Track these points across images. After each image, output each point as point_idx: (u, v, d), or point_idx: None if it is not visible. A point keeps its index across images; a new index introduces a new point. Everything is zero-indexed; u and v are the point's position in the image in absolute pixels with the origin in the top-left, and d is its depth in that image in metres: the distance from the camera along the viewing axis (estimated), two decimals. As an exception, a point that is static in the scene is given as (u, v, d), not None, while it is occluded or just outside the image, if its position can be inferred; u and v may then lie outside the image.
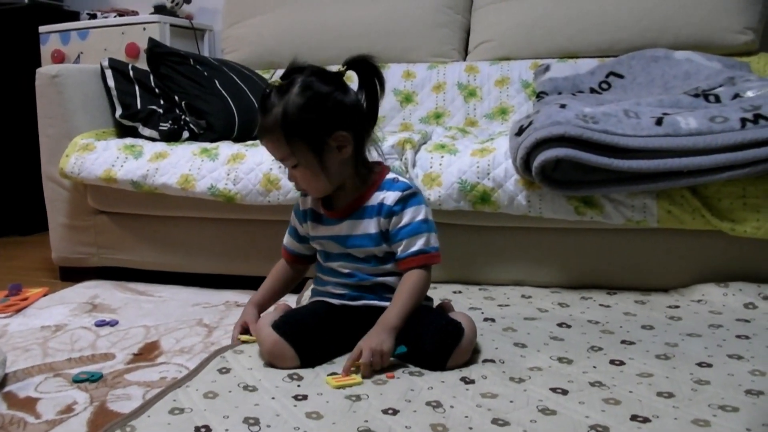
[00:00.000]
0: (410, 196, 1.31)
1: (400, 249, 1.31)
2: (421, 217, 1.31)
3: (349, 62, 1.29)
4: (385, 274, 1.34)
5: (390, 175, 1.35)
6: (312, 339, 1.28)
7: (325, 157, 1.26)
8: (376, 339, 1.22)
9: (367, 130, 1.32)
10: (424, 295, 1.33)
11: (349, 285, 1.36)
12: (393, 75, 2.57)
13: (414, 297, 1.28)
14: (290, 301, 1.60)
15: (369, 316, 1.28)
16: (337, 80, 1.28)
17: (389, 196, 1.31)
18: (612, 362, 1.25)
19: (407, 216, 1.30)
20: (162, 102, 2.25)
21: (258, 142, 2.02)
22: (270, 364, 1.26)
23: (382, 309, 1.28)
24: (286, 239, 1.48)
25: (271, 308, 1.48)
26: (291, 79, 1.26)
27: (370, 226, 1.32)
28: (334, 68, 1.32)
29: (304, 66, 1.27)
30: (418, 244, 1.30)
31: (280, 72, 2.78)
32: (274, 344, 1.25)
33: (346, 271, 1.36)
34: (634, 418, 1.02)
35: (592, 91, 2.20)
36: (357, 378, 1.18)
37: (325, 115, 1.24)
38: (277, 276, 1.49)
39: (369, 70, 1.29)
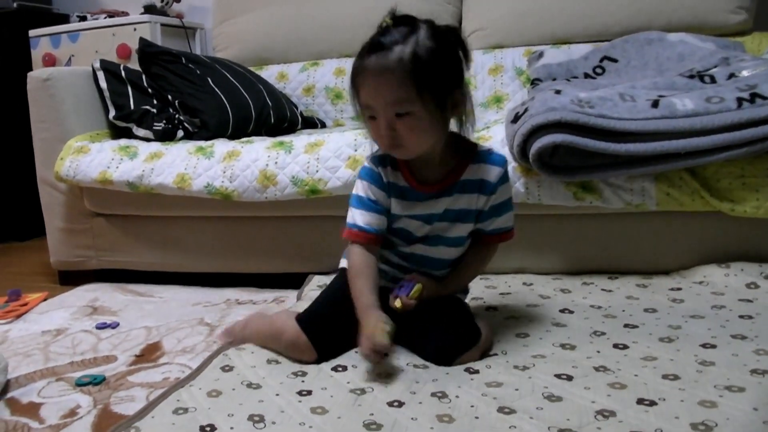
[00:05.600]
0: (506, 171, 1.27)
1: (496, 224, 1.28)
2: (511, 193, 1.31)
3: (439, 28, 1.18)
4: (457, 263, 1.32)
5: (483, 147, 1.27)
6: (333, 335, 1.26)
7: (443, 112, 1.17)
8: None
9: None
10: None
11: (412, 269, 1.30)
12: (386, 67, 2.56)
13: (481, 272, 1.39)
14: (291, 296, 1.60)
15: None
16: None
17: (491, 171, 1.24)
18: (615, 346, 1.25)
19: (507, 192, 1.28)
20: (155, 102, 2.24)
21: (252, 139, 2.02)
22: (284, 354, 1.27)
23: None
24: (365, 218, 1.24)
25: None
26: (412, 23, 1.15)
27: (470, 202, 1.25)
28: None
29: (416, 17, 1.16)
30: (512, 220, 1.31)
31: (273, 68, 2.79)
32: (297, 337, 1.24)
33: (428, 255, 1.29)
34: (640, 401, 1.01)
35: (587, 76, 2.19)
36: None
37: (452, 67, 1.16)
38: (370, 269, 1.24)
39: (455, 40, 1.19)
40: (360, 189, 1.27)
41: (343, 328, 1.24)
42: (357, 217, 1.25)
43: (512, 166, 1.66)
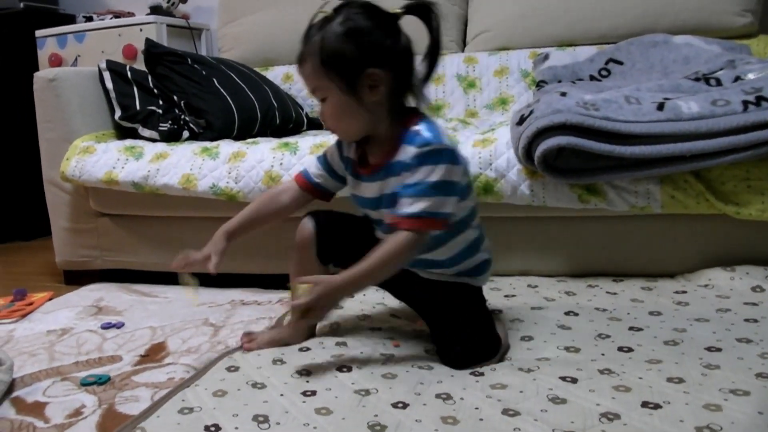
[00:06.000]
0: (429, 154, 1.13)
1: (399, 204, 1.14)
2: (433, 178, 1.12)
3: (409, 6, 1.18)
4: (428, 250, 1.23)
5: (417, 126, 1.17)
6: (338, 240, 1.33)
7: (357, 95, 1.15)
8: (322, 291, 1.14)
9: (411, 79, 1.19)
10: (402, 263, 1.17)
11: None
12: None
13: (384, 266, 1.15)
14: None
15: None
16: (385, 19, 1.16)
17: (409, 151, 1.15)
18: (620, 349, 1.25)
19: (419, 174, 1.13)
20: (161, 102, 2.25)
21: (258, 140, 2.02)
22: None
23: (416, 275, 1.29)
24: (311, 167, 1.37)
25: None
26: (339, 11, 1.17)
27: (399, 184, 1.17)
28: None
29: (354, 0, 1.18)
30: (418, 206, 1.12)
31: (278, 69, 2.79)
32: (303, 225, 1.33)
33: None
34: (645, 404, 1.01)
35: (592, 78, 2.19)
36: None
37: (361, 50, 1.14)
38: (265, 201, 1.39)
39: (427, 15, 1.18)
40: (328, 148, 1.37)
41: (350, 234, 1.33)
42: (310, 165, 1.38)
43: (517, 168, 1.66)
